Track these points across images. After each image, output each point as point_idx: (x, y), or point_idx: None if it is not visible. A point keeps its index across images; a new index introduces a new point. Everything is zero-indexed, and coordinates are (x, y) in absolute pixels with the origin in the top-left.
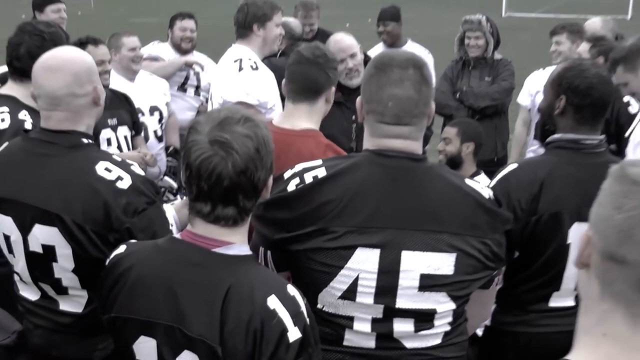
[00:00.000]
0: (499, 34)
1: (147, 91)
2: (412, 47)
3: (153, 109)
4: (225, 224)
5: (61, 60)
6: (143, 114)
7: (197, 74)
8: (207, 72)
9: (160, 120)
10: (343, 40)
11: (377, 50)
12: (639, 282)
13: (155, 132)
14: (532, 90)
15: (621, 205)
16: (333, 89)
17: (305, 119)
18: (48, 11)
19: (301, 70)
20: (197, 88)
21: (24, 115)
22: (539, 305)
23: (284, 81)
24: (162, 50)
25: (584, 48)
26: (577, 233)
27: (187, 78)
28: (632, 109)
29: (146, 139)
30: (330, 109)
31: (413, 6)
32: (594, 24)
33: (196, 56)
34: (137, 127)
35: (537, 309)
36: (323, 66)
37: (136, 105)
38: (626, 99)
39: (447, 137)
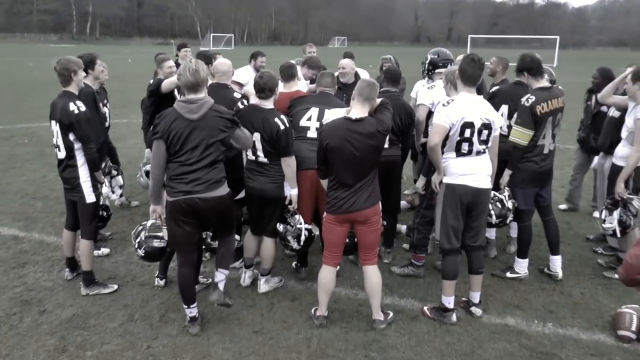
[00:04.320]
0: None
1: None
2: (359, 71)
3: None
4: (262, 99)
5: (224, 61)
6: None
7: None
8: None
9: None
10: (343, 61)
11: None
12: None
13: None
14: (414, 91)
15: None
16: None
17: (295, 88)
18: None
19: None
20: None
21: None
22: None
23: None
24: (243, 71)
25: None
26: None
27: None
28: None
29: None
30: (335, 91)
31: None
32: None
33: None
34: None
35: None
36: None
37: None
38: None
39: None
